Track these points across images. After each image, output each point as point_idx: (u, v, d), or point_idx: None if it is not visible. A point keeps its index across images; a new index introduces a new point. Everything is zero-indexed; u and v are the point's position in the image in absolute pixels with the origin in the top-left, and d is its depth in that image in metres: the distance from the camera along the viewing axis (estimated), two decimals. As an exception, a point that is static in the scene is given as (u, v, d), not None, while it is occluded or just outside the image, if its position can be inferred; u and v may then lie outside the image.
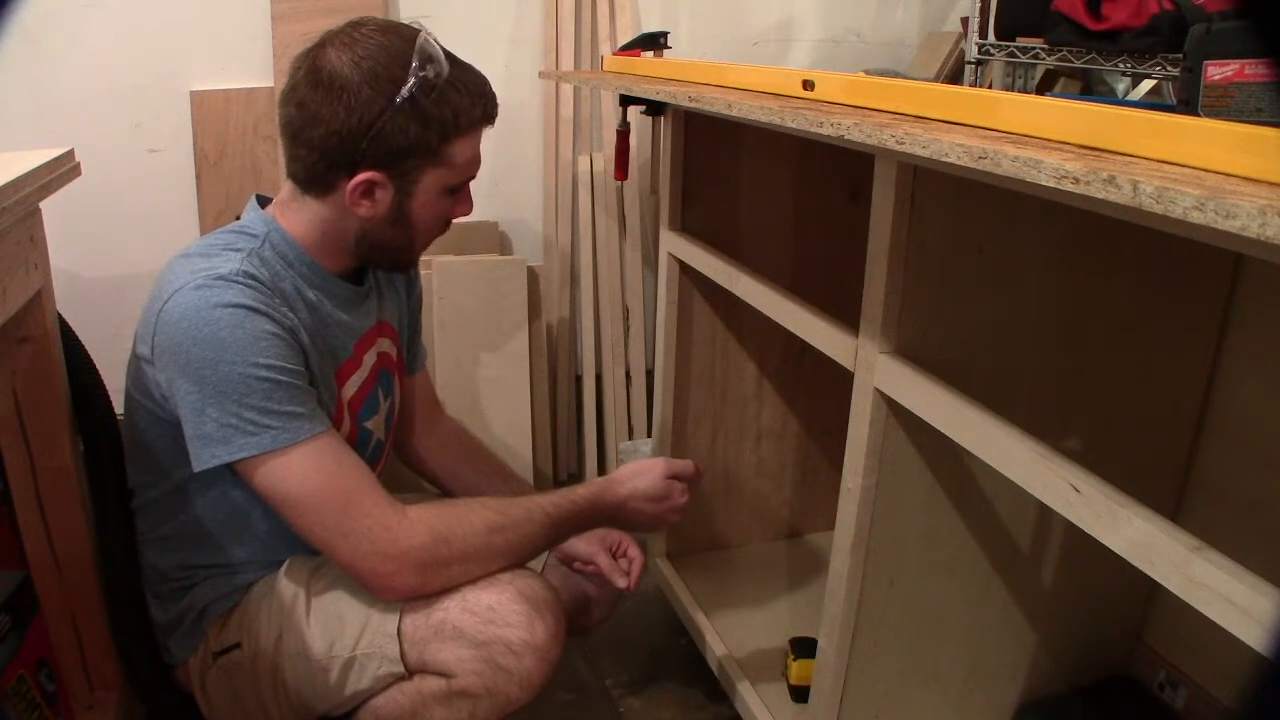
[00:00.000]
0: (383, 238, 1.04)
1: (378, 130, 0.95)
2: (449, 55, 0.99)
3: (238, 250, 0.98)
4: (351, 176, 0.98)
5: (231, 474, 1.00)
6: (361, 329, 1.12)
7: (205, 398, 0.92)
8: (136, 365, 1.02)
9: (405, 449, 1.34)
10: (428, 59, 0.96)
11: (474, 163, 1.05)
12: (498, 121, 1.06)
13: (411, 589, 0.97)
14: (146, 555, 1.10)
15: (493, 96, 1.03)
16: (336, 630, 1.00)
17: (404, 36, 0.97)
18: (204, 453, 0.94)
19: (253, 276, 0.96)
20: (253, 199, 1.07)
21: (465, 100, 0.99)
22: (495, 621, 0.96)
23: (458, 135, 1.00)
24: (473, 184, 1.08)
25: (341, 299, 1.08)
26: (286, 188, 1.04)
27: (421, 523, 0.96)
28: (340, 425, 1.07)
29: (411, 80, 0.95)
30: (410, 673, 0.99)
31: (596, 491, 1.10)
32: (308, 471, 0.94)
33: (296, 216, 1.04)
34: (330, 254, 1.05)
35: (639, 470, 1.14)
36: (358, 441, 1.11)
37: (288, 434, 0.93)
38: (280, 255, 1.02)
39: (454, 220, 1.09)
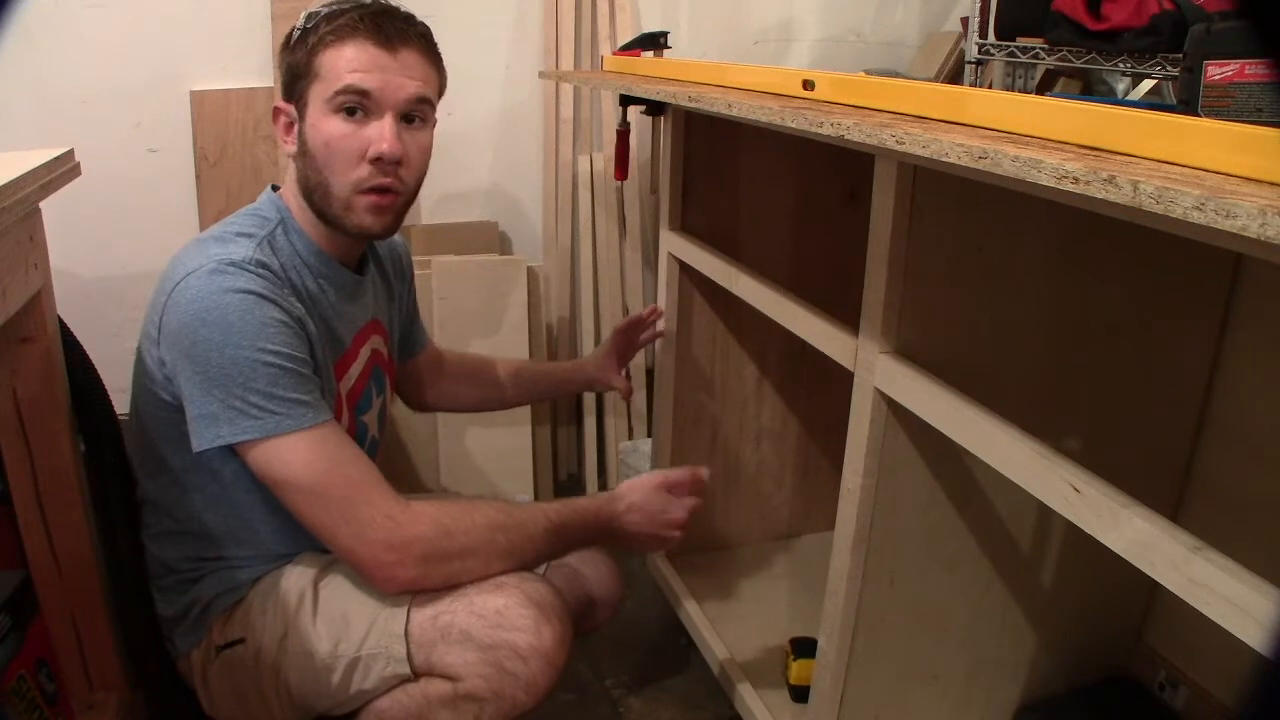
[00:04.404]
0: (304, 177, 1.04)
1: (282, 62, 1.04)
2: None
3: (250, 236, 1.01)
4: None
5: (230, 472, 1.01)
6: (360, 322, 1.14)
7: (211, 380, 0.93)
8: (142, 346, 1.03)
9: (421, 403, 1.43)
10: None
11: (345, 72, 0.98)
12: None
13: (412, 580, 0.97)
14: (151, 549, 1.11)
15: (369, 10, 1.00)
16: (342, 630, 1.01)
17: None
18: (208, 433, 0.94)
19: (264, 265, 0.97)
20: (269, 186, 1.10)
21: (337, 16, 1.00)
22: (503, 626, 0.96)
23: (324, 46, 1.00)
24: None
25: (344, 288, 1.10)
26: None
27: (425, 515, 0.97)
28: (340, 418, 1.07)
29: (312, 10, 1.02)
30: (416, 675, 0.99)
31: (598, 506, 1.09)
32: (312, 458, 0.94)
33: (289, 188, 1.08)
34: (319, 229, 1.07)
35: (635, 486, 1.12)
36: (355, 436, 1.11)
37: (291, 420, 0.94)
38: (290, 243, 1.05)
39: (371, 156, 1.00)
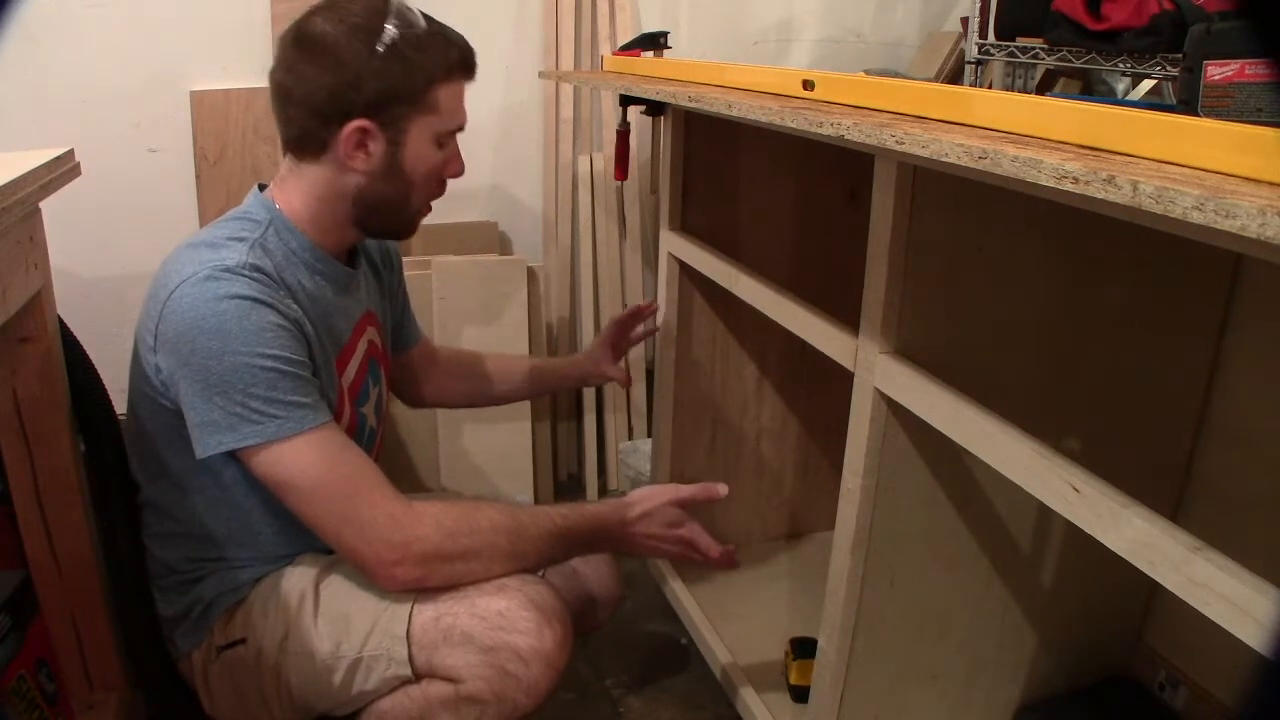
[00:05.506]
0: (379, 195, 1.05)
1: (364, 79, 0.99)
2: (426, 16, 1.04)
3: (242, 240, 1.00)
4: (343, 127, 1.00)
5: (231, 474, 1.01)
6: (355, 314, 1.14)
7: (211, 387, 0.93)
8: (137, 351, 1.02)
9: (417, 399, 1.43)
10: (403, 10, 1.01)
11: (460, 112, 1.07)
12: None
13: (414, 580, 0.97)
14: (152, 549, 1.11)
15: (470, 49, 1.07)
16: (343, 631, 1.01)
17: None
18: (210, 440, 0.94)
19: (258, 269, 0.97)
20: (255, 186, 1.09)
21: (445, 46, 1.03)
22: (504, 628, 0.96)
23: (440, 81, 1.03)
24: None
25: (339, 282, 1.10)
26: (284, 163, 1.06)
27: (428, 515, 0.97)
28: (341, 413, 1.08)
29: (390, 29, 0.99)
30: (417, 676, 0.99)
31: (607, 512, 1.09)
32: (313, 459, 0.95)
33: (295, 189, 1.05)
34: (327, 228, 1.06)
35: (648, 495, 1.11)
36: (355, 428, 1.12)
37: (292, 423, 0.94)
38: (283, 242, 1.04)
39: (452, 175, 1.10)
